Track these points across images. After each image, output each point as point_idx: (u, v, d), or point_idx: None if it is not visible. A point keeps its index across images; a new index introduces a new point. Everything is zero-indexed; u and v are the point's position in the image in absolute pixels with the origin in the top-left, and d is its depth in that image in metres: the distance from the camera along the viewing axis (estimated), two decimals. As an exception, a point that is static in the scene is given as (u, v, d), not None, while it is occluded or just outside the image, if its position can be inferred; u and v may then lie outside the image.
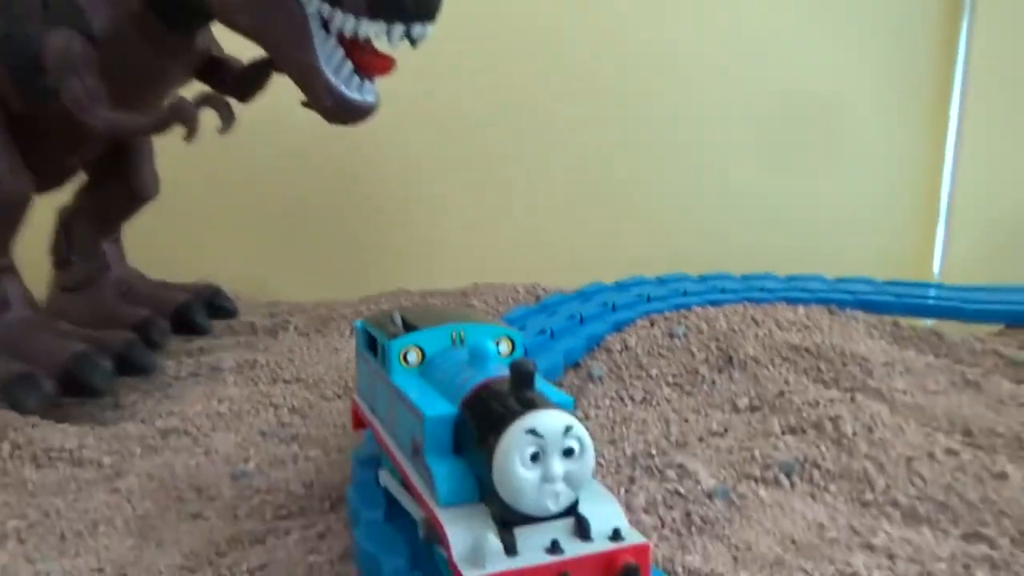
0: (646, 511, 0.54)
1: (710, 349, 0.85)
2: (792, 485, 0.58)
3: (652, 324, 0.92)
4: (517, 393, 0.39)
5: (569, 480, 0.38)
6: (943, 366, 0.81)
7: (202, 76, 0.92)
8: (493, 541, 0.36)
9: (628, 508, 0.54)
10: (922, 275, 1.45)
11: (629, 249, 1.34)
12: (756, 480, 0.58)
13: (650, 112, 1.41)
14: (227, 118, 0.81)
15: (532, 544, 0.37)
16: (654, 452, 0.64)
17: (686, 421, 0.72)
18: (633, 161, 1.42)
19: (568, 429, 0.37)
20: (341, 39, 0.69)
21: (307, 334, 1.09)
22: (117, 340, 0.86)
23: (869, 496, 0.56)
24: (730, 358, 0.82)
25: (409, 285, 1.19)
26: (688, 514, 0.53)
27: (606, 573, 0.37)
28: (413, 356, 0.49)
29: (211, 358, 0.98)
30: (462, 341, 0.50)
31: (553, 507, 0.38)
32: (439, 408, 0.42)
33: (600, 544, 0.38)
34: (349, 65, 0.70)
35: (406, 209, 1.33)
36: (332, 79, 0.68)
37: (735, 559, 0.46)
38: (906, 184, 1.50)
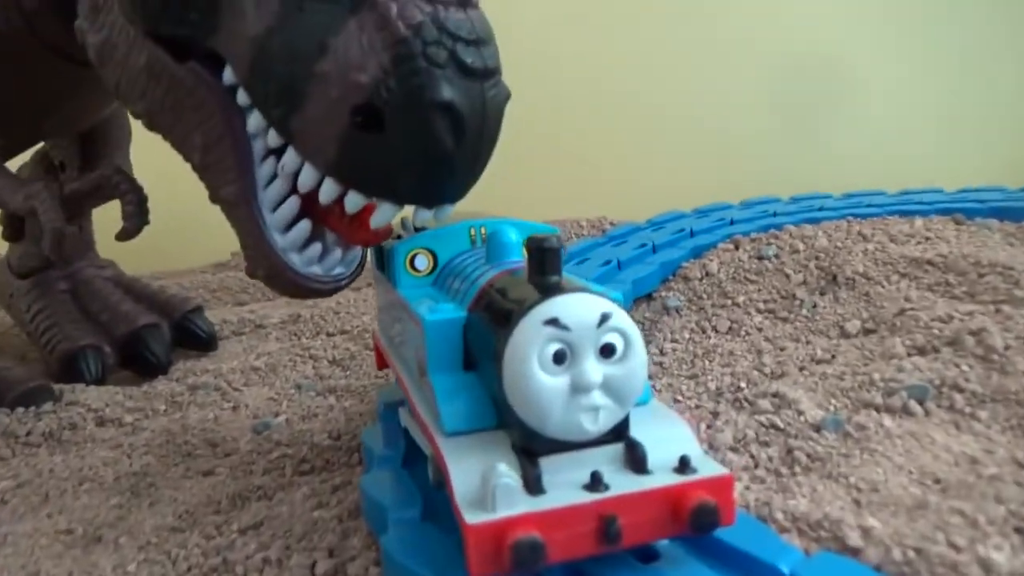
0: (734, 449, 0.42)
1: (808, 269, 0.71)
2: (927, 413, 0.45)
3: (736, 247, 0.78)
4: (536, 279, 0.28)
5: (611, 390, 0.27)
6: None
7: None
8: (507, 476, 0.26)
9: (710, 447, 0.43)
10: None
11: (704, 181, 1.19)
12: (878, 409, 0.45)
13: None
14: (133, 214, 0.54)
15: (564, 479, 0.27)
16: (743, 385, 0.52)
17: (782, 350, 0.59)
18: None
19: (605, 318, 0.27)
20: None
21: (359, 288, 1.02)
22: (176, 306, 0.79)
23: (1037, 428, 0.42)
24: (834, 277, 0.69)
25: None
26: (790, 451, 0.41)
27: (671, 516, 0.26)
28: (423, 261, 0.39)
29: (256, 316, 0.92)
30: (484, 241, 0.39)
31: (591, 427, 0.27)
32: (442, 312, 0.32)
33: (661, 478, 0.27)
34: (305, 225, 0.38)
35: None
36: (275, 240, 0.37)
37: (857, 502, 0.34)
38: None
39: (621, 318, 0.27)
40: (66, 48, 0.53)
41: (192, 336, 0.79)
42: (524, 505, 0.25)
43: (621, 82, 1.29)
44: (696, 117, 1.30)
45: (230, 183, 0.38)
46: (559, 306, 0.26)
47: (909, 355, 0.53)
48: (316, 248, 0.39)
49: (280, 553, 0.36)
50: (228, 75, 0.36)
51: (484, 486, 0.26)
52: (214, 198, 0.40)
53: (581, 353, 0.26)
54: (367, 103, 0.31)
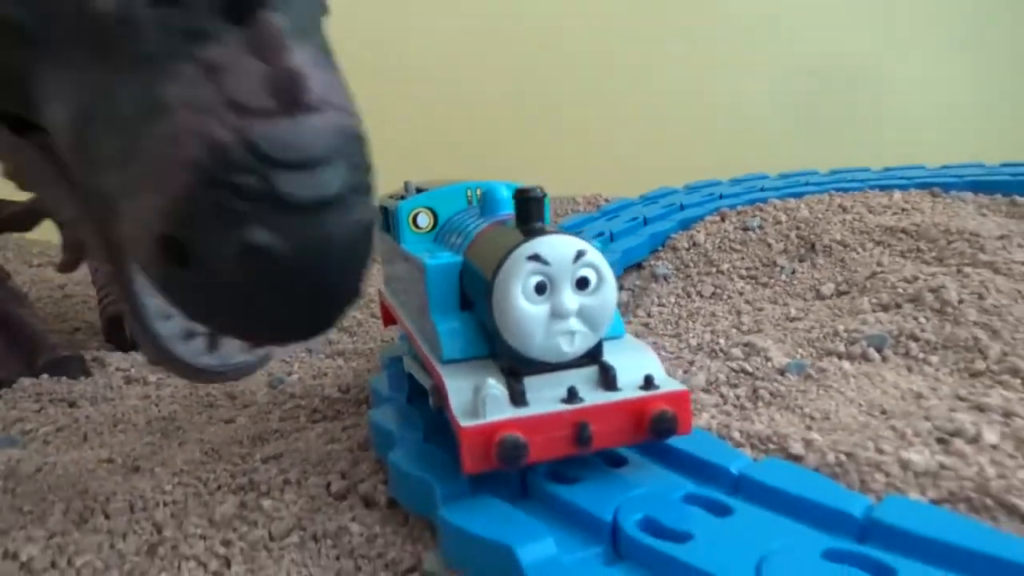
0: (706, 390, 0.47)
1: (789, 239, 0.75)
2: (884, 359, 0.49)
3: (723, 219, 0.83)
4: (521, 224, 0.33)
5: (585, 317, 0.31)
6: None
7: None
8: (495, 387, 0.30)
9: (686, 389, 0.47)
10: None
11: (695, 160, 1.24)
12: (839, 356, 0.50)
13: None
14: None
15: (545, 394, 0.31)
16: (721, 341, 0.57)
17: (760, 311, 0.63)
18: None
19: (580, 255, 0.31)
20: None
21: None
22: None
23: (980, 365, 0.47)
24: (812, 245, 0.73)
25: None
26: (755, 390, 0.46)
27: (635, 424, 0.31)
28: (424, 219, 0.44)
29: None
30: (480, 201, 0.44)
31: (568, 349, 0.31)
32: (441, 258, 0.36)
33: (628, 393, 0.31)
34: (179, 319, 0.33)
35: (462, 130, 1.28)
36: (156, 327, 0.33)
37: (808, 427, 0.39)
38: None
39: (594, 255, 0.31)
40: None
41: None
42: (510, 413, 0.30)
43: (624, 68, 1.33)
44: (701, 103, 1.34)
45: (102, 258, 0.33)
46: (540, 244, 0.31)
47: (874, 311, 0.57)
48: (198, 342, 0.33)
49: (299, 475, 0.41)
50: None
51: (476, 397, 0.30)
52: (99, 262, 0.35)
53: (559, 285, 0.31)
54: (169, 235, 0.25)
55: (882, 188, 0.88)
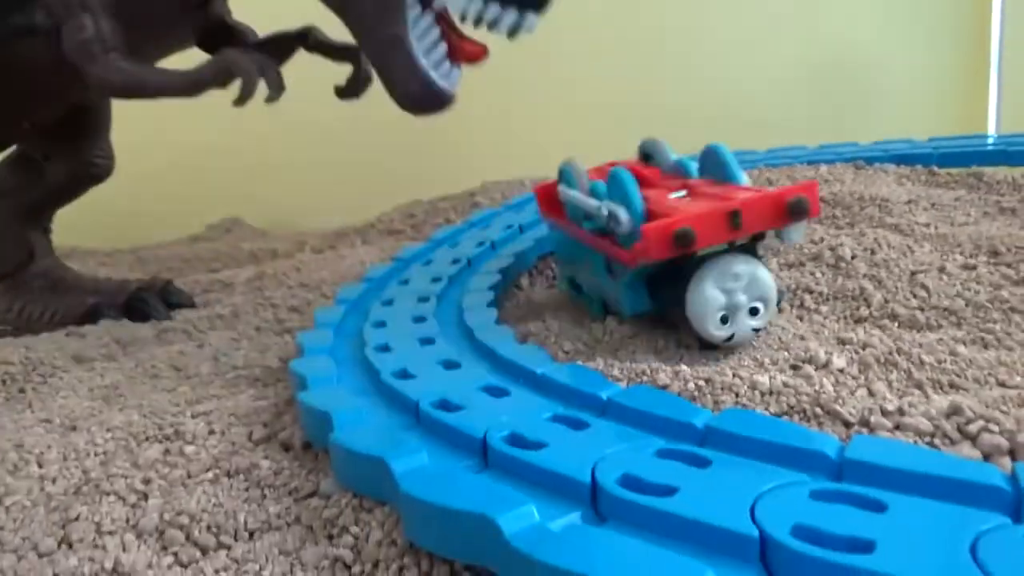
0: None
1: (716, 210, 0.79)
2: (780, 310, 0.53)
3: (656, 195, 0.86)
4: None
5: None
6: (976, 199, 0.73)
7: (206, 45, 0.76)
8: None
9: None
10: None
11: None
12: (739, 309, 0.54)
13: None
14: (276, 83, 0.64)
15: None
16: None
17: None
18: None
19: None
20: (437, 17, 0.56)
21: (321, 250, 1.09)
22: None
23: (864, 312, 0.51)
24: (736, 215, 0.77)
25: (423, 195, 1.17)
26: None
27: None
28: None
29: (226, 275, 0.99)
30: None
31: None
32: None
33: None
34: (443, 47, 0.56)
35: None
36: (422, 60, 0.54)
37: (684, 363, 0.42)
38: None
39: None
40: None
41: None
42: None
43: (616, 55, 1.37)
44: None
45: (392, 24, 0.53)
46: None
47: (780, 270, 0.61)
48: (447, 65, 0.55)
49: (224, 427, 0.44)
50: None
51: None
52: (374, 43, 0.56)
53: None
54: None
55: (810, 163, 0.92)
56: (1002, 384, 0.35)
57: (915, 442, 0.29)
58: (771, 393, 0.35)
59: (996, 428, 0.29)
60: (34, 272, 0.83)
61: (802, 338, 0.47)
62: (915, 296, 0.51)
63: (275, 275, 0.95)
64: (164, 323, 0.78)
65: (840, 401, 0.33)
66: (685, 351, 0.45)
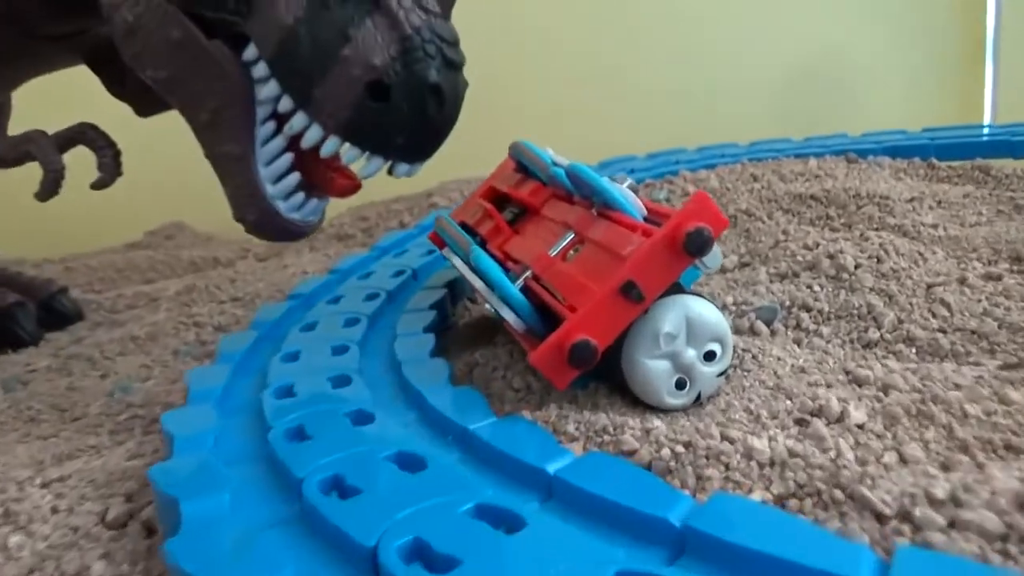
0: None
1: (696, 211, 0.70)
2: (773, 332, 0.44)
3: (630, 194, 0.78)
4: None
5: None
6: (986, 195, 0.65)
7: (95, 65, 0.66)
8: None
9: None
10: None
11: (616, 136, 1.19)
12: (725, 332, 0.45)
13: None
14: (108, 166, 0.60)
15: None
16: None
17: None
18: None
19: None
20: (292, 141, 0.45)
21: (266, 258, 1.00)
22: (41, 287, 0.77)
23: (874, 335, 0.42)
24: (718, 216, 0.68)
25: (377, 197, 1.08)
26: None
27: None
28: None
29: (156, 287, 0.89)
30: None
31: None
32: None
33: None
34: (295, 177, 0.46)
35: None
36: (267, 189, 0.45)
37: (654, 414, 0.33)
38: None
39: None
40: (34, 25, 0.58)
41: (59, 315, 0.76)
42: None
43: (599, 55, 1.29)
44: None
45: (234, 140, 0.45)
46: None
47: (771, 281, 0.52)
48: (299, 197, 0.46)
49: (73, 501, 0.34)
50: (249, 53, 0.43)
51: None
52: (213, 154, 0.47)
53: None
54: (378, 80, 0.39)
55: (798, 156, 0.84)
56: (1073, 444, 0.27)
57: (980, 550, 0.21)
58: (772, 465, 0.26)
59: (1092, 526, 0.21)
60: None
61: (803, 371, 0.38)
62: (934, 315, 0.42)
63: (207, 288, 0.85)
64: (69, 348, 0.68)
65: (868, 480, 0.24)
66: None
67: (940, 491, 0.22)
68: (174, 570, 0.23)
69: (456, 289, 0.58)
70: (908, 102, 1.28)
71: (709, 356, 0.33)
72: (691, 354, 0.33)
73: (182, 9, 0.43)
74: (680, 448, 0.27)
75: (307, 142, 0.42)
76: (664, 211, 0.36)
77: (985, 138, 0.83)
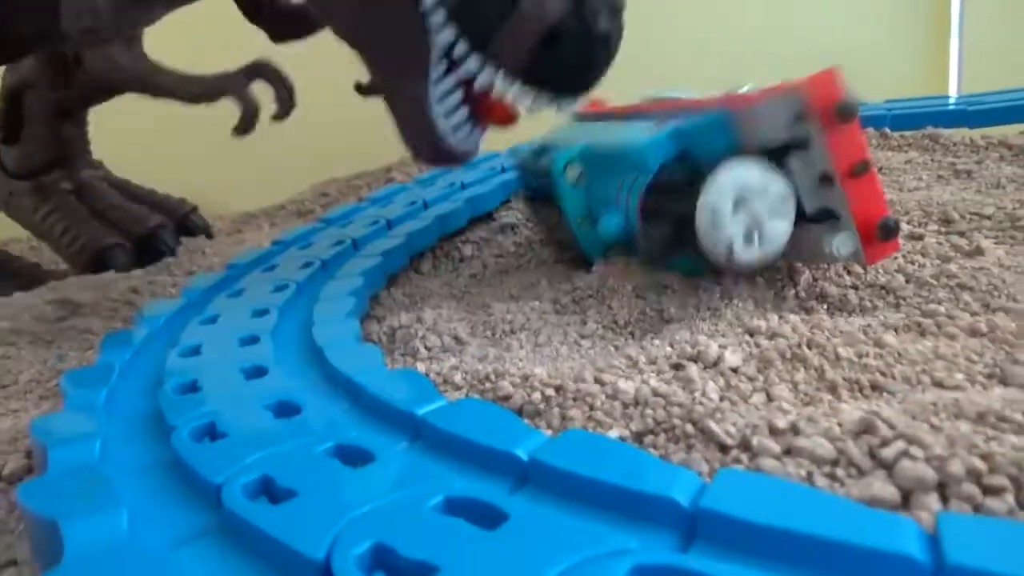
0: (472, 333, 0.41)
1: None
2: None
3: (581, 166, 0.78)
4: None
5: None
6: (927, 161, 0.65)
7: None
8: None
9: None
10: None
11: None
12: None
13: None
14: (285, 101, 0.65)
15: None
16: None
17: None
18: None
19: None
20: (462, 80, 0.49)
21: (230, 234, 1.00)
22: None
23: (789, 293, 0.42)
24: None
25: (340, 173, 1.08)
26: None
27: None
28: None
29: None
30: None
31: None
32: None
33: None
34: (464, 111, 0.51)
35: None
36: (439, 123, 0.50)
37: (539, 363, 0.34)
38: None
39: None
40: None
41: (191, 232, 0.86)
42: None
43: None
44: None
45: (415, 82, 0.49)
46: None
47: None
48: (466, 129, 0.51)
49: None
50: (427, 2, 0.46)
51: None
52: (392, 93, 0.51)
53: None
54: (552, 31, 0.44)
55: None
56: (938, 384, 0.27)
57: (809, 474, 0.21)
58: (636, 404, 0.26)
59: (920, 453, 0.21)
60: (59, 175, 0.81)
61: (699, 330, 0.38)
62: (849, 273, 0.43)
63: (167, 265, 0.85)
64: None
65: (719, 415, 0.24)
66: (576, 346, 0.36)
67: (782, 422, 0.23)
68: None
69: (394, 259, 0.58)
70: (874, 75, 1.28)
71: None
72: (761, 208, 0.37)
73: None
74: (551, 392, 0.27)
75: (480, 84, 0.47)
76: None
77: (943, 108, 0.83)
